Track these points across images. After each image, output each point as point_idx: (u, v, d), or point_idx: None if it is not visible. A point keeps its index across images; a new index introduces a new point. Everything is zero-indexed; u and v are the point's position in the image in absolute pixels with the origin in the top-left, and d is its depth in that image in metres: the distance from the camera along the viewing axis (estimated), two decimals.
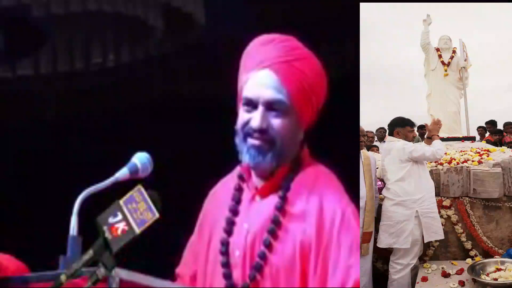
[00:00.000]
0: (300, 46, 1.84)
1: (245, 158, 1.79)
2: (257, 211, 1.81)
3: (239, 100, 1.83)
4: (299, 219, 1.76)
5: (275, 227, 1.76)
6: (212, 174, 2.03)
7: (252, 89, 1.78)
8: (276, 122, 1.77)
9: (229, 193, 1.89)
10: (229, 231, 1.83)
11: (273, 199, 1.80)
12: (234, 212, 1.85)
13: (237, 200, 1.86)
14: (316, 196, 1.77)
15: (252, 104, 1.78)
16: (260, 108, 1.76)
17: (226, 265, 1.81)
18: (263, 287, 1.74)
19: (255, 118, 1.76)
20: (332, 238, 1.71)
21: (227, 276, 1.79)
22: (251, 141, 1.77)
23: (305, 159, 1.86)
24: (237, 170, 1.91)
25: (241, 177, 1.88)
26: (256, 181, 1.84)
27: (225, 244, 1.82)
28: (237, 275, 1.79)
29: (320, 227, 1.72)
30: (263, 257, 1.75)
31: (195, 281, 1.91)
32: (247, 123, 1.78)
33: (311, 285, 1.70)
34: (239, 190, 1.88)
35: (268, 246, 1.75)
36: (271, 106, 1.76)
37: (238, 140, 1.81)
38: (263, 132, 1.76)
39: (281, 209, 1.77)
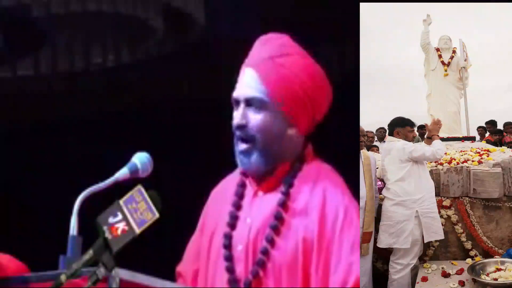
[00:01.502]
0: (288, 43, 1.86)
1: (238, 163, 1.83)
2: (260, 207, 1.82)
3: None
4: (301, 215, 1.76)
5: (277, 223, 1.77)
6: (212, 174, 2.03)
7: (236, 89, 1.83)
8: (254, 118, 1.79)
9: (232, 191, 1.90)
10: (232, 225, 1.84)
11: (275, 195, 1.81)
12: (237, 206, 1.86)
13: (240, 195, 1.87)
14: (319, 193, 1.78)
15: (237, 103, 1.83)
16: (241, 105, 1.81)
17: (229, 258, 1.81)
18: (265, 284, 1.75)
19: (236, 116, 1.81)
20: (335, 235, 1.71)
21: (230, 270, 1.80)
22: (237, 147, 1.81)
23: (308, 156, 1.87)
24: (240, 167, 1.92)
25: (244, 173, 1.89)
26: (257, 179, 1.85)
27: (228, 237, 1.83)
28: (239, 269, 1.79)
29: (323, 223, 1.73)
30: (265, 253, 1.76)
31: (196, 279, 1.91)
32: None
33: (313, 281, 1.71)
34: (242, 185, 1.89)
35: (271, 241, 1.76)
36: (249, 103, 1.80)
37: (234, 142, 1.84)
38: (242, 128, 1.79)
39: (283, 205, 1.78)
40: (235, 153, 1.83)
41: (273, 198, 1.81)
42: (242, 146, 1.80)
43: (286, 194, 1.79)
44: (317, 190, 1.78)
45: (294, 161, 1.84)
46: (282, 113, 1.80)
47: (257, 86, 1.79)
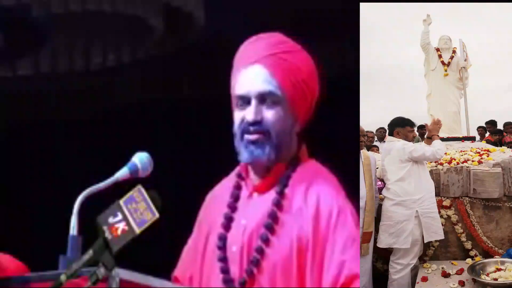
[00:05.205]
0: (286, 40, 1.88)
1: (244, 155, 1.81)
2: (255, 207, 1.83)
3: (232, 102, 1.85)
4: (296, 215, 1.77)
5: (272, 222, 1.78)
6: (212, 175, 2.03)
7: (243, 86, 1.82)
8: (269, 113, 1.79)
9: (228, 193, 1.91)
10: (226, 226, 1.85)
11: (270, 195, 1.82)
12: (232, 208, 1.87)
13: (235, 197, 1.88)
14: (313, 193, 1.78)
15: (244, 100, 1.81)
16: (253, 102, 1.79)
17: (223, 259, 1.82)
18: (259, 283, 1.75)
19: (249, 112, 1.79)
20: (328, 234, 1.73)
21: (225, 270, 1.80)
22: (247, 136, 1.79)
23: (303, 156, 1.88)
24: (236, 169, 1.93)
25: (239, 176, 1.90)
26: (254, 178, 1.86)
27: (223, 239, 1.84)
28: (234, 270, 1.80)
29: (317, 223, 1.74)
30: (260, 251, 1.76)
31: (192, 283, 1.92)
32: (242, 120, 1.80)
33: (308, 281, 1.71)
34: (237, 188, 1.89)
35: (266, 240, 1.76)
36: (263, 98, 1.79)
37: (236, 141, 1.82)
38: (258, 124, 1.79)
39: (278, 204, 1.79)
40: (237, 149, 1.82)
41: (268, 199, 1.81)
42: (253, 137, 1.78)
43: (281, 194, 1.80)
44: (311, 190, 1.79)
45: (289, 161, 1.85)
46: (291, 108, 1.81)
47: (269, 80, 1.79)
